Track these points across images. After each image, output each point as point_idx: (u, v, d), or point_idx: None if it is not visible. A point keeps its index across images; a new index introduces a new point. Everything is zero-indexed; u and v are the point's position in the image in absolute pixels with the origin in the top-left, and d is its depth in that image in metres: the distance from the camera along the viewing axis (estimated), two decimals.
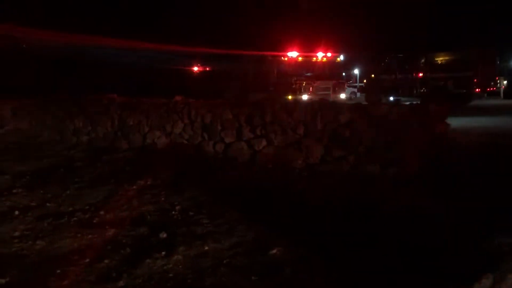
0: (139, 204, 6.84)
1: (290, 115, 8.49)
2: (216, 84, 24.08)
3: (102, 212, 6.61)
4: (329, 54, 22.65)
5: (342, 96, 22.48)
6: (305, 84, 22.04)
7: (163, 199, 6.97)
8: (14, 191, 7.99)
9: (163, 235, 5.52)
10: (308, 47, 22.62)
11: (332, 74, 22.97)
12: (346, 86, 24.33)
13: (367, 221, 5.68)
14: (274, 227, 5.58)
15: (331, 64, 23.16)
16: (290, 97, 20.31)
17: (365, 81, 33.27)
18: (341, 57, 23.29)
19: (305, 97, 21.20)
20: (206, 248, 5.08)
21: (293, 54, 21.93)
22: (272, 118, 8.61)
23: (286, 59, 22.34)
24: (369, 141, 7.51)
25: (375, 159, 7.41)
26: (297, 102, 11.96)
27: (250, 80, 24.42)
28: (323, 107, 8.17)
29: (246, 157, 8.95)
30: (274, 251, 4.82)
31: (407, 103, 10.55)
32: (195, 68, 26.87)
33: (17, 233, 6.03)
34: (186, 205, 6.62)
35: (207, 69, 26.83)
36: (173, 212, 6.36)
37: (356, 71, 32.99)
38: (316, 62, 22.68)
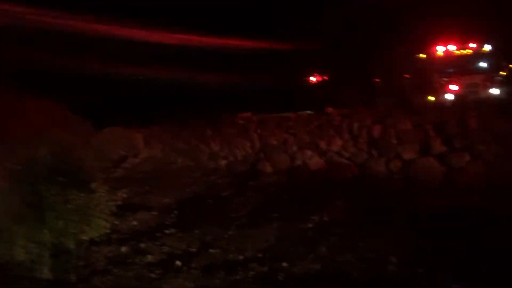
0: (330, 251, 5.13)
1: (509, 118, 6.25)
2: (334, 92, 22.16)
3: (284, 264, 5.04)
4: (473, 45, 19.23)
5: (493, 91, 18.83)
6: (449, 81, 18.89)
7: (360, 244, 5.18)
8: (167, 231, 6.87)
9: None
10: (448, 39, 19.53)
11: (479, 68, 19.43)
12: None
13: None
14: None
15: (477, 56, 19.64)
16: (431, 97, 17.54)
17: (502, 73, 28.12)
18: (489, 47, 19.69)
19: (450, 96, 18.11)
20: None
21: (431, 48, 19.04)
22: (478, 124, 6.43)
23: (423, 55, 19.47)
24: None
25: None
26: None
27: (378, 83, 22.01)
28: None
29: (438, 177, 6.86)
30: None
31: None
32: (313, 78, 25.17)
33: None
34: (405, 256, 4.72)
35: (325, 78, 24.96)
36: (389, 267, 4.52)
37: (482, 63, 28.12)
38: (459, 55, 19.43)
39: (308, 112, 11.61)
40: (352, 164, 8.35)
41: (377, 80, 21.64)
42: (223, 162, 11.19)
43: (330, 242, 5.36)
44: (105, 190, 6.59)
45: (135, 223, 7.52)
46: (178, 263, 5.52)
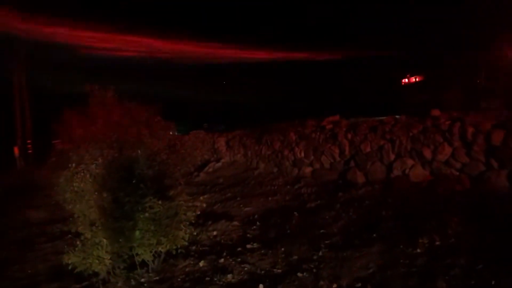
0: None
1: None
2: (431, 94, 20.36)
3: None
4: None
5: None
6: None
7: (493, 282, 4.05)
8: (249, 246, 6.22)
9: None
10: None
11: None
12: None
13: None
14: None
15: None
16: None
17: None
18: None
19: None
20: None
21: None
22: None
23: None
24: None
25: None
26: None
27: (480, 84, 19.74)
28: None
29: None
30: None
31: None
32: (405, 80, 23.38)
33: None
34: None
35: (417, 79, 23.04)
36: None
37: None
38: None
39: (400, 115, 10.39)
40: (465, 176, 7.04)
41: (479, 80, 19.42)
42: (307, 170, 10.36)
43: (450, 275, 4.27)
44: (185, 197, 6.09)
45: (215, 233, 7.01)
46: (261, 286, 4.81)
